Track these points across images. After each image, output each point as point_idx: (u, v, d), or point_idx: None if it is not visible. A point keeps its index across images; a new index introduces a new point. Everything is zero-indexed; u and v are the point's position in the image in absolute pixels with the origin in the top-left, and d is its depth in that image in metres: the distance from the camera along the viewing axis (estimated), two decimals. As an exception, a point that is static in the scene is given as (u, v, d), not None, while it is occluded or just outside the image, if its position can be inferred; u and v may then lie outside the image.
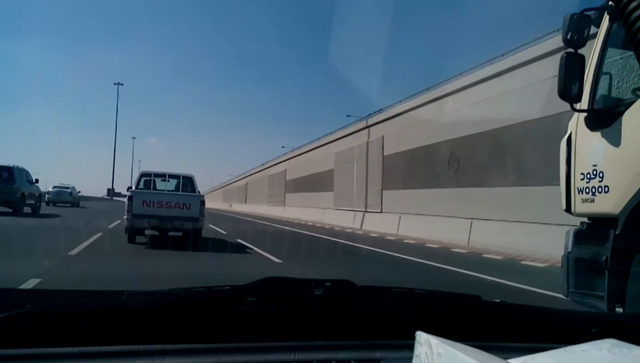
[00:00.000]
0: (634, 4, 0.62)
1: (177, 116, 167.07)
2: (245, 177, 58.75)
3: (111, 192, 66.43)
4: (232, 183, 68.97)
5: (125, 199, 10.31)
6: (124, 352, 0.85)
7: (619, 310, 3.53)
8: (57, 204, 27.62)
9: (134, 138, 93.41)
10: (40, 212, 19.01)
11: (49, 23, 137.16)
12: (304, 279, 1.11)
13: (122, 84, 56.88)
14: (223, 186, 78.84)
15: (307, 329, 0.96)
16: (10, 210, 16.99)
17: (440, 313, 1.06)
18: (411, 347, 0.73)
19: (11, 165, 18.05)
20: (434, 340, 0.67)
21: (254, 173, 53.39)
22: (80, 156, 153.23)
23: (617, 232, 3.58)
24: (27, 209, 18.18)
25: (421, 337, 0.70)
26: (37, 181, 19.98)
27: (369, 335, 0.98)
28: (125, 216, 9.89)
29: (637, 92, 3.74)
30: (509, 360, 0.65)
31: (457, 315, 1.07)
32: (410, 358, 0.72)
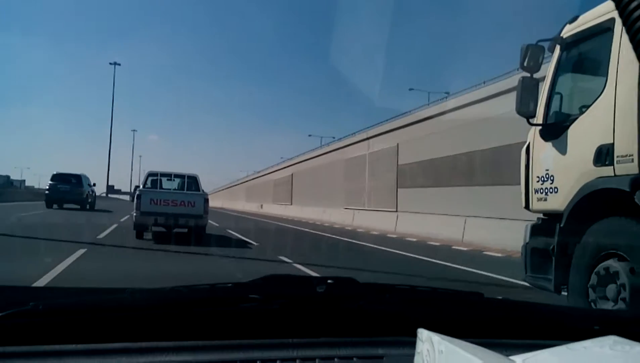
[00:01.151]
0: (634, 4, 0.62)
1: (176, 114, 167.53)
2: (268, 173, 48.60)
3: (108, 189, 59.40)
4: (254, 178, 56.76)
5: (127, 197, 11.26)
6: (127, 349, 0.85)
7: (564, 293, 4.34)
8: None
9: (134, 130, 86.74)
10: (95, 207, 25.39)
11: (45, 19, 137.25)
12: (307, 276, 1.11)
13: (119, 64, 52.66)
14: (239, 183, 67.28)
15: (310, 326, 0.97)
16: (79, 206, 23.16)
17: (442, 311, 1.06)
18: (413, 344, 0.73)
19: (79, 173, 24.27)
20: (436, 338, 0.67)
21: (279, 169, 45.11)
22: (78, 152, 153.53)
23: (561, 226, 4.31)
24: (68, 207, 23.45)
25: (423, 334, 0.70)
26: (94, 184, 26.68)
27: (371, 332, 0.98)
28: (134, 214, 10.53)
29: (582, 109, 4.36)
30: (510, 357, 0.65)
31: (459, 312, 1.07)
32: (412, 355, 0.72)
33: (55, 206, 22.27)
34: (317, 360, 0.90)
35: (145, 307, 0.95)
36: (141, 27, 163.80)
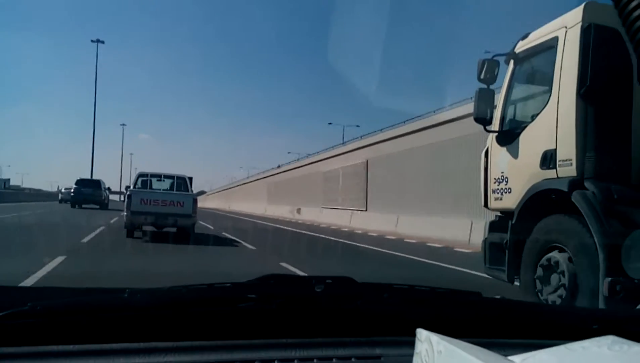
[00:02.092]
0: (633, 4, 0.62)
1: (167, 114, 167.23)
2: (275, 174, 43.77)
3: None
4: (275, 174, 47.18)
5: (117, 197, 12.10)
6: (125, 350, 0.85)
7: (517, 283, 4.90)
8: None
9: (123, 124, 76.64)
10: (109, 207, 28.91)
11: (37, 17, 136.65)
12: (305, 276, 1.11)
13: (102, 42, 44.52)
14: (237, 185, 64.40)
15: (308, 326, 0.97)
16: (98, 206, 27.26)
17: (441, 310, 1.06)
18: (412, 344, 0.73)
19: (98, 179, 30.40)
20: (435, 338, 0.67)
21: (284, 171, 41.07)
22: (65, 150, 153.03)
23: (513, 222, 4.85)
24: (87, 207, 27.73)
25: (422, 334, 0.70)
26: (109, 188, 31.09)
27: (369, 332, 0.98)
28: (125, 213, 10.90)
29: (531, 118, 4.83)
30: (509, 357, 0.65)
31: (457, 312, 1.07)
32: (411, 356, 0.72)
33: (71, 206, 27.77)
34: (315, 360, 0.90)
35: (144, 307, 0.95)
36: (136, 23, 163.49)
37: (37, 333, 0.84)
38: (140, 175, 12.52)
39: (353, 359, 0.92)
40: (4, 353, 0.81)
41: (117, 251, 8.91)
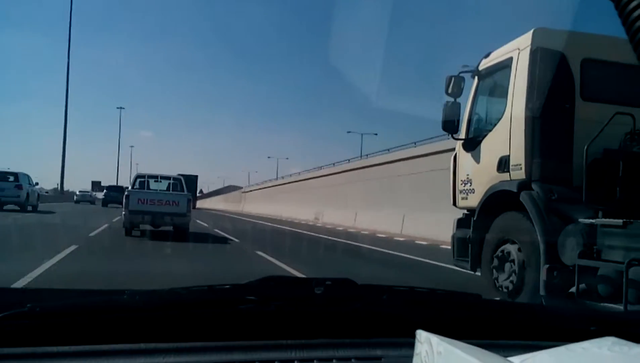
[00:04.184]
0: (633, 4, 0.62)
1: (168, 111, 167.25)
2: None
3: (61, 186, 46.81)
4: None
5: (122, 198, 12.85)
6: (125, 350, 0.85)
7: (478, 273, 5.54)
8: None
9: (120, 108, 69.63)
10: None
11: (32, 14, 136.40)
12: (304, 278, 1.12)
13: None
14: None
15: (308, 327, 0.96)
16: (121, 205, 28.95)
17: (441, 312, 1.06)
18: (411, 345, 0.73)
19: (121, 185, 36.14)
20: (434, 339, 0.67)
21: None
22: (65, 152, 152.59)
23: (474, 219, 5.49)
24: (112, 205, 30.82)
25: (421, 335, 0.70)
26: (127, 188, 34.08)
27: (369, 334, 0.98)
28: (123, 212, 11.46)
29: (491, 127, 5.47)
30: (509, 358, 0.65)
31: (457, 313, 1.07)
32: (411, 357, 0.72)
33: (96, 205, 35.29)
34: (315, 361, 0.90)
35: (144, 309, 0.95)
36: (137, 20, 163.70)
37: (36, 334, 0.84)
38: (138, 176, 13.26)
39: (353, 360, 0.92)
40: (3, 354, 0.81)
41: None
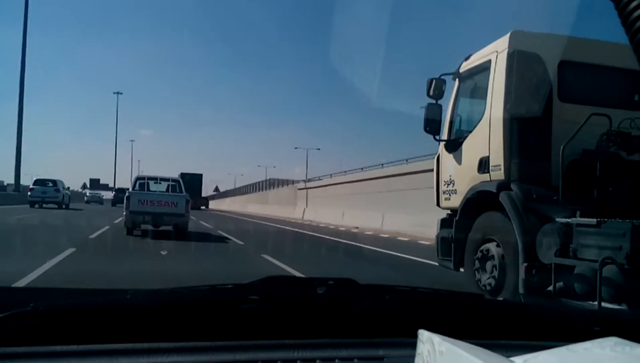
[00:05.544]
0: (634, 4, 0.62)
1: (169, 109, 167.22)
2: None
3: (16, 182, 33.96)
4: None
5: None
6: (128, 350, 0.85)
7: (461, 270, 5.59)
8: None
9: (118, 92, 66.13)
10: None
11: (31, 12, 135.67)
12: (307, 278, 1.11)
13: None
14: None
15: (310, 327, 0.97)
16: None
17: (443, 312, 1.06)
18: (413, 345, 0.73)
19: (128, 188, 40.46)
20: (436, 338, 0.67)
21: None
22: (64, 152, 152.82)
23: (457, 219, 5.57)
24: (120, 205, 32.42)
25: (423, 335, 0.70)
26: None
27: (371, 333, 0.98)
28: (125, 213, 12.03)
29: (472, 129, 5.53)
30: (511, 358, 0.65)
31: (459, 313, 1.07)
32: (413, 357, 0.72)
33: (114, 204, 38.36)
34: (317, 361, 0.90)
35: (146, 308, 0.95)
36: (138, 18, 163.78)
37: (39, 334, 0.84)
38: (138, 178, 13.81)
39: (355, 360, 0.92)
40: (7, 353, 0.81)
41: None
